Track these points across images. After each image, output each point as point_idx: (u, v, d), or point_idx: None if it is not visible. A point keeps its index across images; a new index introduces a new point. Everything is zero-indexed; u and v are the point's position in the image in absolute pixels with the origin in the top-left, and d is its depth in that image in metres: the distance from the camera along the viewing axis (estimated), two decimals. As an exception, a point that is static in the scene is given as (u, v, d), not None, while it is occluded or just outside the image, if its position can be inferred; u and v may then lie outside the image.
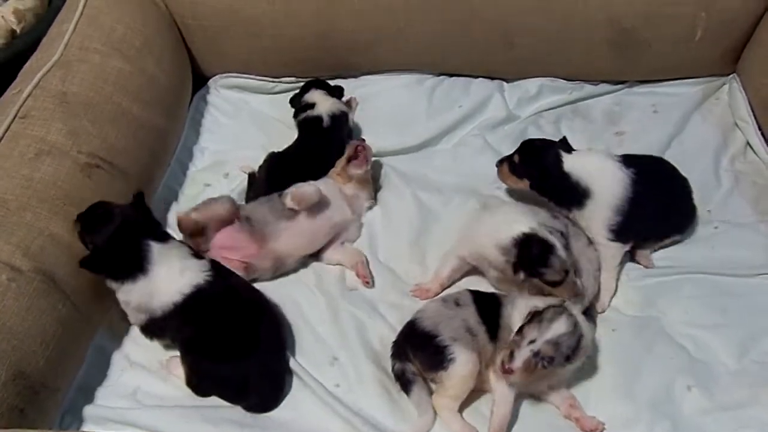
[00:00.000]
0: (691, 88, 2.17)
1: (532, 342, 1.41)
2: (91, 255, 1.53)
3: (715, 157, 1.98)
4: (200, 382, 1.55)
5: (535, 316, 1.44)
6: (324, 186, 1.80)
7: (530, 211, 1.66)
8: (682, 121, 2.08)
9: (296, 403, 1.53)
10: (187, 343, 1.55)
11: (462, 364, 1.47)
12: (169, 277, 1.53)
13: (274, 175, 1.92)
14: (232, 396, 1.54)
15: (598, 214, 1.68)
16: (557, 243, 1.53)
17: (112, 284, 1.55)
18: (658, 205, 1.70)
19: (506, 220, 1.61)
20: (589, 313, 1.63)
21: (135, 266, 1.52)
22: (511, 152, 1.81)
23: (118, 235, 1.52)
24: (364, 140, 1.89)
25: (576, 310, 1.48)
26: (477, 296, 1.59)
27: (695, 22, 2.01)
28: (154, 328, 1.58)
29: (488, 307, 1.55)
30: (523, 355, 1.41)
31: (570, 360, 1.43)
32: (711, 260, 1.75)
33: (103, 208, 1.56)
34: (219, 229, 1.72)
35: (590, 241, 1.70)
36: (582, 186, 1.68)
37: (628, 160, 1.71)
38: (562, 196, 1.71)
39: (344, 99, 2.13)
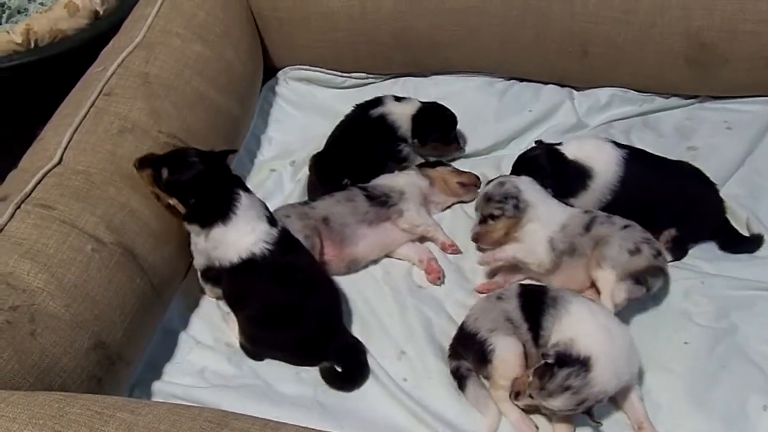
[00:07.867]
0: (764, 107, 2.12)
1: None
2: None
3: (789, 177, 1.95)
4: (252, 346, 1.60)
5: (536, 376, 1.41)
6: (410, 188, 1.83)
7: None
8: (755, 139, 2.05)
9: (364, 394, 1.53)
10: (233, 306, 1.62)
11: (503, 350, 1.48)
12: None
13: (325, 177, 1.94)
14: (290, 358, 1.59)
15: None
16: None
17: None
18: None
19: None
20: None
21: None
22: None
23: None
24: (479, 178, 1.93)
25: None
26: (524, 291, 1.57)
27: (775, 40, 1.99)
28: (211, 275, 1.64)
29: (534, 304, 1.52)
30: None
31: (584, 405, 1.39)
32: (785, 279, 1.71)
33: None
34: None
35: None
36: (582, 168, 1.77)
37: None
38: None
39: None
